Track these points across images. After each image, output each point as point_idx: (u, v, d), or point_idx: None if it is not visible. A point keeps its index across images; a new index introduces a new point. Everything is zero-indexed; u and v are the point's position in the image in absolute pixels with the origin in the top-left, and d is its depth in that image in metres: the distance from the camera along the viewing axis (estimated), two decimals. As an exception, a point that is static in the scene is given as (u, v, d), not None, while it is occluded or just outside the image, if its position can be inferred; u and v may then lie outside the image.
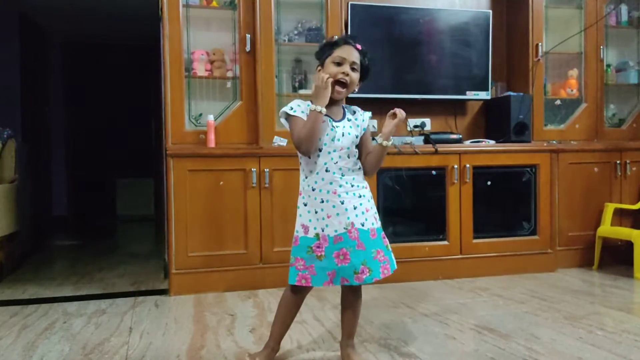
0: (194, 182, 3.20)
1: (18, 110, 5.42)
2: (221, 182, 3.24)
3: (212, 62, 3.43)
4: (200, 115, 3.39)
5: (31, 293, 3.29)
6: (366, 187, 2.00)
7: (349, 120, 1.99)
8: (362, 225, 1.91)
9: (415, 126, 3.79)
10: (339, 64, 1.91)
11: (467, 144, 3.59)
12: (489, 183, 3.56)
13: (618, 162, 3.88)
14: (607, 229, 3.72)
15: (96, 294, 3.24)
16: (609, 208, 3.77)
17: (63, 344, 2.33)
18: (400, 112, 1.97)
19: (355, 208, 1.92)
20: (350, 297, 2.02)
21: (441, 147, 3.47)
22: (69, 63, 7.13)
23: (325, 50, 1.96)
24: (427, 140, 3.53)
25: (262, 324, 2.58)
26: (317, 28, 3.53)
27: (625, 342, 2.24)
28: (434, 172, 3.47)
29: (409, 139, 3.52)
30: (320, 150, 1.90)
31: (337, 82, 1.90)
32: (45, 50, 6.46)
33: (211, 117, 3.27)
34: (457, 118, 3.98)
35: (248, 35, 3.35)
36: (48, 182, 6.40)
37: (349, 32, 3.49)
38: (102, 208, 7.75)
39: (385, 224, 3.34)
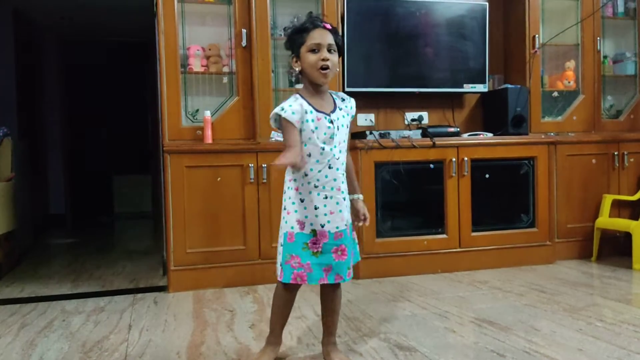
0: (191, 179, 3.19)
1: (14, 108, 5.39)
2: (219, 178, 3.23)
3: (208, 58, 3.41)
4: (197, 111, 3.38)
5: (30, 291, 3.28)
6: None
7: (340, 109, 1.94)
8: (352, 222, 1.97)
9: (413, 120, 3.78)
10: (315, 51, 1.85)
11: (465, 137, 3.58)
12: (487, 176, 3.56)
13: (616, 153, 3.88)
14: (606, 220, 3.72)
15: (95, 291, 3.23)
16: (607, 199, 3.77)
17: (62, 342, 2.32)
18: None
19: (348, 205, 1.95)
20: (332, 294, 2.01)
21: (439, 141, 3.46)
22: (64, 60, 7.09)
23: (296, 39, 1.89)
24: (424, 134, 3.53)
25: (261, 319, 2.57)
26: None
27: (624, 333, 2.24)
28: (432, 166, 3.47)
29: (406, 133, 3.50)
30: (323, 149, 1.86)
31: (320, 68, 1.85)
32: (40, 47, 6.43)
33: (208, 113, 3.26)
34: (454, 111, 3.98)
35: (244, 30, 3.34)
36: (45, 180, 6.38)
37: (345, 27, 3.47)
38: (99, 205, 7.74)
39: (383, 218, 3.39)
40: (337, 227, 1.88)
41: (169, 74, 3.23)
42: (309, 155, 1.87)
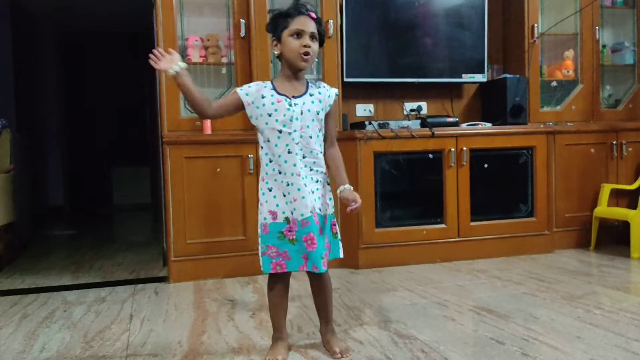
0: (190, 170, 3.19)
1: (12, 99, 5.38)
2: (218, 169, 3.23)
3: (206, 48, 3.41)
4: (196, 102, 3.37)
5: (30, 282, 3.29)
6: (324, 173, 1.96)
7: (311, 95, 1.91)
8: (319, 210, 1.90)
9: (412, 110, 3.78)
10: (298, 36, 1.85)
11: (464, 127, 3.59)
12: (486, 166, 3.56)
13: (614, 142, 3.88)
14: (604, 209, 3.73)
15: (95, 282, 3.24)
16: (606, 189, 3.78)
17: (64, 332, 2.33)
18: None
19: (313, 192, 1.89)
20: (319, 282, 2.00)
21: (438, 131, 3.46)
22: (62, 51, 7.07)
23: (279, 22, 1.87)
24: (423, 124, 3.53)
25: (262, 309, 2.59)
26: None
27: (623, 321, 2.26)
28: (430, 156, 3.47)
29: (405, 123, 3.51)
30: (280, 132, 1.86)
31: (301, 54, 1.84)
32: (37, 38, 6.40)
33: (207, 104, 3.25)
34: (453, 101, 3.98)
35: (242, 21, 3.33)
36: (44, 172, 6.38)
37: (343, 17, 3.46)
38: (98, 197, 7.74)
39: (382, 208, 3.40)
40: (302, 215, 1.85)
41: (167, 64, 3.21)
42: (268, 140, 1.88)
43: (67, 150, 7.20)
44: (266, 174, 1.90)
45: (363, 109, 3.80)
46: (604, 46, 4.08)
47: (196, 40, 3.36)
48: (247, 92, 1.89)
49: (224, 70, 3.42)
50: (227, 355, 2.02)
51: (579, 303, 2.53)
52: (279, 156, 1.87)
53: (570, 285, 2.85)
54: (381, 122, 3.44)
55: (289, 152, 1.87)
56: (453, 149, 3.48)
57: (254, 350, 2.06)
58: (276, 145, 1.87)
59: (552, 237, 3.70)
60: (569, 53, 3.96)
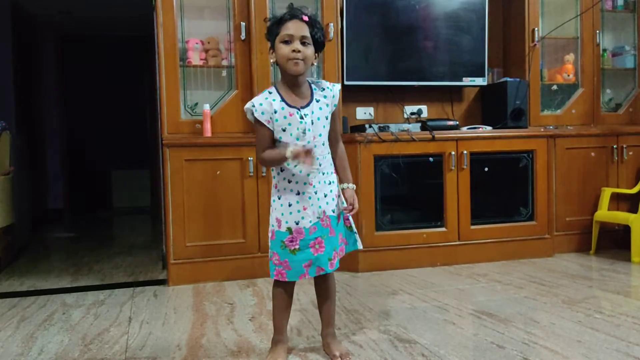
0: (190, 172, 3.19)
1: (12, 102, 5.38)
2: (218, 172, 3.23)
3: (206, 51, 3.41)
4: (196, 104, 3.37)
5: (29, 285, 3.28)
6: (333, 172, 1.97)
7: (317, 101, 1.89)
8: (333, 212, 1.92)
9: (412, 113, 3.78)
10: (287, 42, 1.82)
11: (464, 131, 3.58)
12: (486, 169, 3.56)
13: (615, 146, 3.88)
14: (604, 213, 3.72)
15: (94, 285, 3.24)
16: (606, 192, 3.78)
17: (62, 334, 2.33)
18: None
19: (325, 196, 1.90)
20: (323, 284, 2.01)
21: (438, 134, 3.46)
22: (63, 54, 7.08)
23: (273, 30, 1.84)
24: (424, 127, 3.53)
25: (261, 312, 2.58)
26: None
27: (623, 325, 2.25)
28: (431, 159, 3.47)
29: (405, 126, 3.50)
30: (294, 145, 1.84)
31: (290, 59, 1.81)
32: (38, 41, 6.41)
33: (207, 107, 3.25)
34: (453, 104, 3.98)
35: (243, 23, 3.33)
36: (43, 175, 6.37)
37: (344, 20, 3.46)
38: (98, 200, 7.73)
39: (382, 212, 3.39)
40: (311, 222, 1.87)
41: (167, 67, 3.22)
42: None
43: (66, 153, 7.20)
44: (277, 182, 1.91)
45: (363, 112, 3.79)
46: (604, 50, 4.08)
47: (196, 43, 3.36)
48: (262, 111, 1.83)
49: (224, 73, 3.42)
50: (226, 359, 2.01)
51: (580, 307, 2.52)
52: (295, 166, 1.85)
53: (570, 289, 2.84)
54: (381, 125, 3.44)
55: (302, 162, 1.84)
56: (453, 153, 3.47)
57: (253, 354, 2.05)
58: None
59: (552, 241, 3.69)
60: (570, 57, 3.96)
